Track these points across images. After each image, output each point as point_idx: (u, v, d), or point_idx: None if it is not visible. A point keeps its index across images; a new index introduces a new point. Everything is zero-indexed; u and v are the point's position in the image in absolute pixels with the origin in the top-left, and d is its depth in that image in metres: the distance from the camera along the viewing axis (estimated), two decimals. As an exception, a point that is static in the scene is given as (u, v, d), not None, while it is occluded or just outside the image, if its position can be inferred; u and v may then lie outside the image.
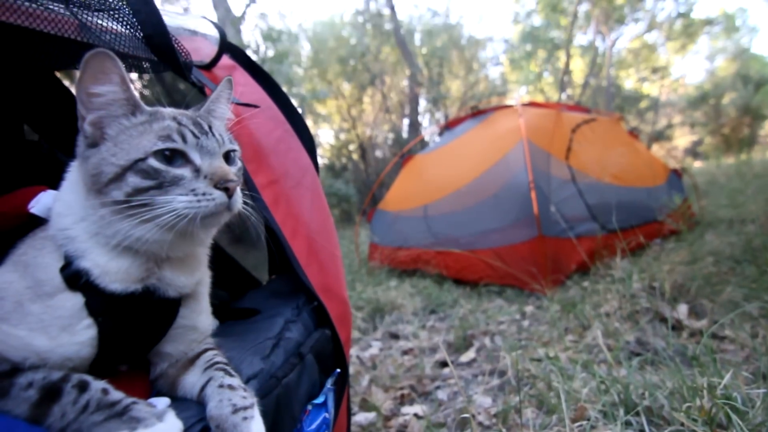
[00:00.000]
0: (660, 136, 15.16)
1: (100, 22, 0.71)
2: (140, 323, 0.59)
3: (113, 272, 0.55)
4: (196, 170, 0.57)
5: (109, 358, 0.58)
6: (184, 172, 0.56)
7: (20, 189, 0.65)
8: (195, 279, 0.64)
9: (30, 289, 0.54)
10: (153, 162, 0.54)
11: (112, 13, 0.70)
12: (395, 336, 2.47)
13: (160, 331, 0.62)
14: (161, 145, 0.55)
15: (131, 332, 0.59)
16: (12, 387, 0.49)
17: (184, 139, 0.57)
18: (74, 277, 0.54)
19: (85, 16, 0.69)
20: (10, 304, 0.53)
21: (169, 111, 0.61)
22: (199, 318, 0.67)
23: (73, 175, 0.59)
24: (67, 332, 0.53)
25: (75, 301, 0.54)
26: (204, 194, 0.55)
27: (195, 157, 0.57)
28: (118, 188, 0.53)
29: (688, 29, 14.12)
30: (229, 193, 0.57)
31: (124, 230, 0.54)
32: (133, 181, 0.53)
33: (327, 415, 0.75)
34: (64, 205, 0.58)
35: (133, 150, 0.54)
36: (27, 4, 0.64)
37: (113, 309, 0.56)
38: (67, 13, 0.69)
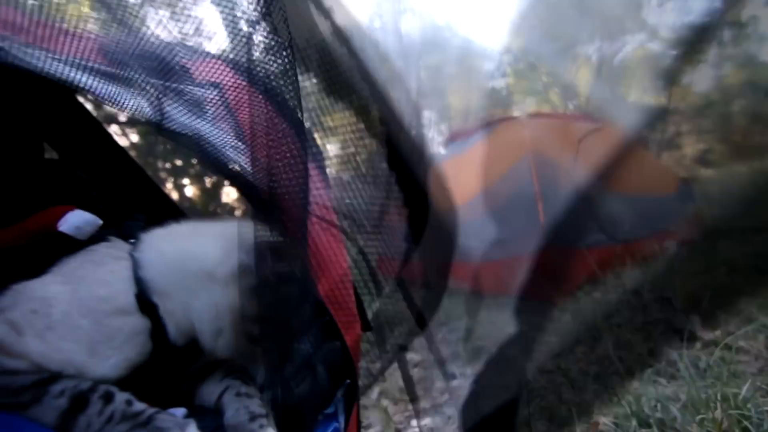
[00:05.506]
0: (668, 145, 15.02)
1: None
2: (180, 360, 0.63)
3: None
4: None
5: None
6: None
7: (48, 208, 0.67)
8: None
9: (82, 302, 0.55)
10: None
11: None
12: (404, 348, 2.46)
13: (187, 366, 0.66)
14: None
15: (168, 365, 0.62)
16: (45, 395, 0.50)
17: None
18: (146, 304, 0.58)
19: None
20: (59, 314, 0.54)
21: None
22: None
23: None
24: (118, 351, 0.55)
25: (141, 323, 0.57)
26: None
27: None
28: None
29: (693, 37, 14.05)
30: None
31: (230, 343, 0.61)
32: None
33: (337, 425, 0.76)
34: None
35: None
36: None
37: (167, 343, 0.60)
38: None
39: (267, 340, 0.61)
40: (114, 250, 0.61)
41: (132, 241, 0.63)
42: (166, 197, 1.35)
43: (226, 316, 0.59)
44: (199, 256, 0.60)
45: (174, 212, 1.34)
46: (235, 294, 0.59)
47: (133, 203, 1.24)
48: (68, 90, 1.20)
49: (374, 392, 1.91)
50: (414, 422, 1.63)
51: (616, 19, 12.65)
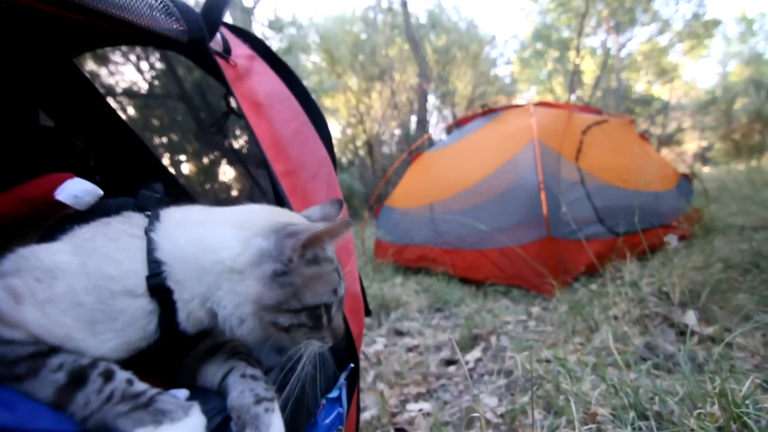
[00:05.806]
0: (670, 140, 15.00)
1: None
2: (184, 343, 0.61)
3: None
4: (329, 319, 0.62)
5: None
6: (326, 321, 0.61)
7: (46, 175, 0.64)
8: None
9: (89, 277, 0.52)
10: (321, 310, 0.59)
11: None
12: (400, 333, 2.47)
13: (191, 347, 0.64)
14: (328, 299, 0.60)
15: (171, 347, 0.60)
16: (43, 368, 0.47)
17: (336, 292, 0.62)
18: (158, 289, 0.55)
19: None
20: (63, 287, 0.51)
21: (334, 255, 0.64)
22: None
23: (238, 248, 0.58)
24: (120, 334, 0.53)
25: (147, 307, 0.54)
26: (326, 342, 0.63)
27: (333, 308, 0.62)
28: (290, 319, 0.57)
29: (701, 31, 13.89)
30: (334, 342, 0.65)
31: (254, 332, 0.58)
32: (304, 320, 0.58)
33: (341, 409, 0.75)
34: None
35: (316, 296, 0.59)
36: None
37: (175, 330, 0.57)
38: None
39: (300, 326, 0.59)
40: (128, 227, 0.58)
41: (147, 214, 0.60)
42: (165, 170, 1.31)
43: (248, 305, 0.56)
44: (217, 249, 0.57)
45: (173, 185, 1.30)
46: (255, 282, 0.56)
47: (131, 174, 1.20)
48: (65, 54, 1.15)
49: (370, 376, 1.92)
50: (409, 406, 1.64)
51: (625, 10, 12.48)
